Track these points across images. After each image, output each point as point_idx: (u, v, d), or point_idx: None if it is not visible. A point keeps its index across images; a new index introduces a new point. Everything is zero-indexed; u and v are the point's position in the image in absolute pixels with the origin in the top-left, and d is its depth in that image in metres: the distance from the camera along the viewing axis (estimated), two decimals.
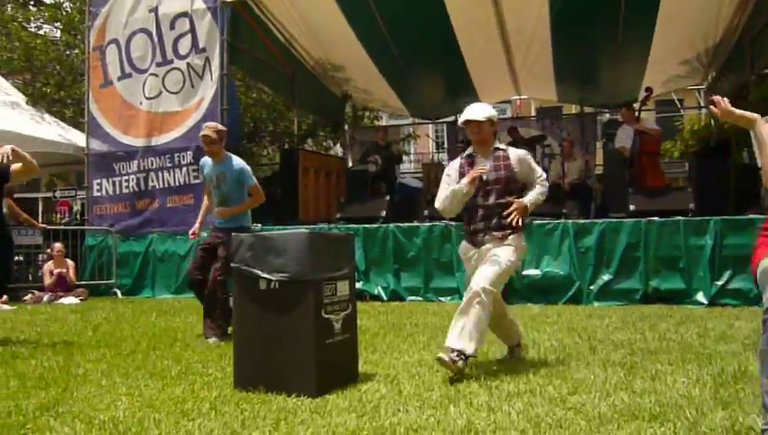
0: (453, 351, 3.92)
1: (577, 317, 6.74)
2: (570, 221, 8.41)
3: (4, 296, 8.66)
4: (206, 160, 6.00)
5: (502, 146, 4.46)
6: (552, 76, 13.14)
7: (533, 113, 21.87)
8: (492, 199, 4.32)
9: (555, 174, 11.35)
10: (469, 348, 3.94)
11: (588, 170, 12.05)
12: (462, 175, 4.37)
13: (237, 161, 5.90)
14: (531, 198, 4.36)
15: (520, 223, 4.23)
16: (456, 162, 4.53)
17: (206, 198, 6.32)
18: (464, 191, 4.27)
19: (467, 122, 4.35)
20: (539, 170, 4.46)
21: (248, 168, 5.96)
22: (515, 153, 4.42)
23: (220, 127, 5.94)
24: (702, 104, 17.22)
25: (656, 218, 8.00)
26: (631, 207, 8.57)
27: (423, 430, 2.89)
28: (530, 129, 14.04)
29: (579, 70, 12.72)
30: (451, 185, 4.38)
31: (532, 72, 13.05)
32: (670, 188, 10.02)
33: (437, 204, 4.43)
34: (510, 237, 4.26)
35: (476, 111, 4.38)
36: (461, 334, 3.97)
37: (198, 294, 5.92)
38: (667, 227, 7.92)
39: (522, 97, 18.95)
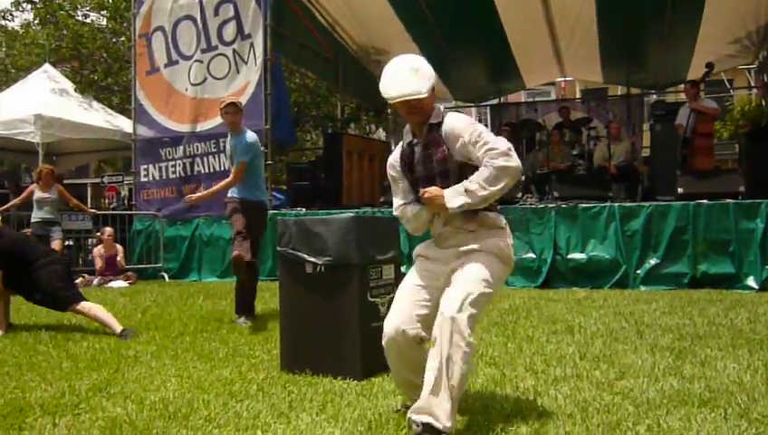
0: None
1: (623, 302, 6.65)
2: (616, 204, 8.26)
3: None
4: (229, 138, 6.18)
5: (436, 119, 2.84)
6: (597, 57, 12.91)
7: (578, 95, 21.53)
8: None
9: (601, 157, 11.18)
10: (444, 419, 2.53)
11: (634, 153, 11.82)
12: (406, 170, 2.95)
13: (249, 135, 5.95)
14: (458, 188, 2.74)
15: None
16: (396, 153, 3.02)
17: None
18: (424, 218, 2.92)
19: (402, 102, 2.77)
20: (490, 142, 2.71)
21: (253, 144, 5.93)
22: (448, 127, 2.82)
23: (241, 100, 6.19)
24: (752, 84, 16.73)
25: (705, 201, 7.81)
26: (679, 190, 8.38)
27: (470, 414, 2.89)
28: (575, 111, 13.82)
29: (625, 51, 12.43)
30: (401, 185, 2.99)
31: (577, 53, 12.83)
32: (720, 171, 9.76)
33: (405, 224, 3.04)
34: (486, 239, 2.82)
35: (410, 83, 2.74)
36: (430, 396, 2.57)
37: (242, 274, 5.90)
38: (717, 209, 7.72)
39: (567, 79, 18.67)
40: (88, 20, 16.80)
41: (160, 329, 5.39)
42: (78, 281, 9.88)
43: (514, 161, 2.71)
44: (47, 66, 13.44)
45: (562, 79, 18.27)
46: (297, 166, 13.20)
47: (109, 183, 19.65)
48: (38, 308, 6.36)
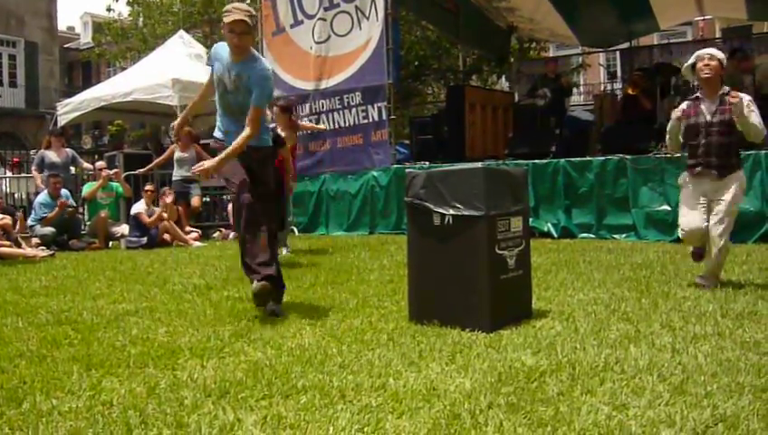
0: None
1: None
2: (762, 152, 7.68)
3: (196, 234, 9.56)
4: (219, 51, 4.31)
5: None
6: None
7: (718, 35, 20.00)
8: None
9: None
10: None
11: None
12: None
13: (263, 66, 4.23)
14: None
15: None
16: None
17: (201, 91, 4.76)
18: None
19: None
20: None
21: (272, 81, 4.36)
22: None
23: (253, 12, 4.20)
24: None
25: None
26: None
27: (603, 369, 2.82)
28: None
29: None
30: None
31: None
32: None
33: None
34: None
35: None
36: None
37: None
38: None
39: (705, 17, 17.40)
40: None
41: (293, 280, 5.59)
42: (215, 235, 10.51)
43: None
44: (182, 32, 14.04)
45: (701, 18, 17.03)
46: (419, 119, 13.18)
47: None
48: (182, 259, 6.80)
